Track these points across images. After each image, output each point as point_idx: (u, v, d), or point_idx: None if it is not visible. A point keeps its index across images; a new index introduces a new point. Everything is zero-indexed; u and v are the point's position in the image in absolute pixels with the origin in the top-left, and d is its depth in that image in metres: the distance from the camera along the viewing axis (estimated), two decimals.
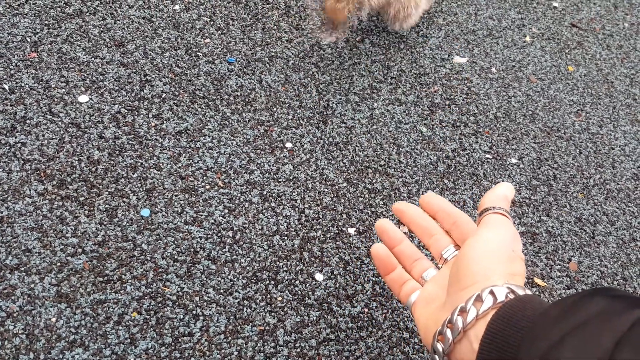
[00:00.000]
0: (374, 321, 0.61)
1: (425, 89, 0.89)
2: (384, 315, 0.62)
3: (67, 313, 0.55)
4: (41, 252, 0.59)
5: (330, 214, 0.70)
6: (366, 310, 0.62)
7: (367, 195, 0.73)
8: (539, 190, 0.80)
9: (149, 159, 0.69)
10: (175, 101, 0.76)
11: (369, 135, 0.80)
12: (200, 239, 0.64)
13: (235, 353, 0.56)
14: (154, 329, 0.56)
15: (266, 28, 0.88)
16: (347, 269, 0.65)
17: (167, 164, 0.70)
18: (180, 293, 0.59)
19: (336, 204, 0.72)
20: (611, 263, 0.74)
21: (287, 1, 0.93)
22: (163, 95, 0.75)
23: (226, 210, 0.68)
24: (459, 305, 0.30)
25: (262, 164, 0.73)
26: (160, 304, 0.58)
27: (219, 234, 0.65)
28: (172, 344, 0.55)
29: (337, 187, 0.74)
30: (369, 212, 0.72)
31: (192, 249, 0.63)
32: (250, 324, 0.58)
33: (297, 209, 0.70)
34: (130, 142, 0.70)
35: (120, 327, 0.55)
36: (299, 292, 0.62)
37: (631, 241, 0.77)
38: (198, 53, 0.82)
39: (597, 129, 0.91)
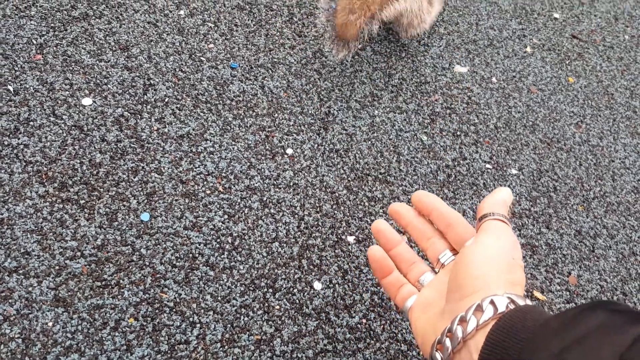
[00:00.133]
0: (372, 332, 0.60)
1: (426, 97, 0.87)
2: (382, 326, 0.60)
3: (64, 318, 0.53)
4: (40, 255, 0.57)
5: (329, 222, 0.69)
6: (364, 321, 0.60)
7: (366, 203, 0.71)
8: (539, 201, 0.78)
9: (150, 162, 0.68)
10: (178, 105, 0.74)
11: (369, 142, 0.79)
12: (199, 245, 0.63)
13: None
14: (151, 335, 0.54)
15: (269, 34, 0.87)
16: (346, 278, 0.64)
17: (168, 168, 0.68)
18: (178, 299, 0.57)
19: (336, 212, 0.70)
20: (611, 277, 0.72)
21: (291, 8, 0.92)
22: (166, 99, 0.74)
23: (226, 216, 0.66)
24: (458, 315, 0.29)
25: (262, 170, 0.72)
26: (157, 311, 0.56)
27: (218, 240, 0.64)
28: (169, 351, 0.54)
29: (337, 194, 0.72)
30: (369, 220, 0.70)
31: (190, 255, 0.62)
32: (247, 332, 0.57)
33: (296, 216, 0.68)
34: (132, 145, 0.68)
35: (116, 333, 0.53)
36: (297, 301, 0.60)
37: (631, 255, 0.75)
38: (202, 58, 0.80)
39: (598, 141, 0.89)
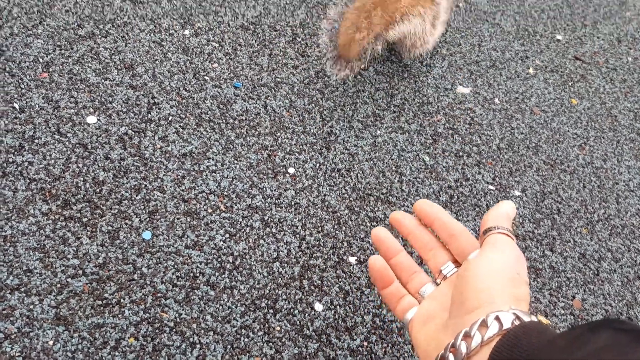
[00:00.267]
0: (373, 355, 0.61)
1: (428, 118, 0.91)
2: (383, 349, 0.62)
3: (65, 336, 0.55)
4: (42, 273, 0.60)
5: (331, 242, 0.71)
6: (365, 343, 0.62)
7: (368, 224, 0.74)
8: (542, 224, 0.80)
9: (153, 181, 0.71)
10: (182, 124, 0.78)
11: (371, 162, 0.82)
12: (200, 264, 0.65)
13: None
14: (151, 356, 0.56)
15: (273, 54, 0.91)
16: (347, 299, 0.66)
17: (171, 187, 0.71)
18: (178, 319, 0.60)
19: (337, 232, 0.73)
20: (616, 301, 0.74)
21: (294, 29, 0.97)
22: (170, 118, 0.78)
23: (227, 235, 0.69)
24: (463, 330, 0.29)
25: (264, 189, 0.75)
26: (157, 330, 0.58)
27: (219, 259, 0.66)
28: None
29: (338, 214, 0.75)
30: (371, 241, 0.73)
31: (191, 274, 0.64)
32: (247, 354, 0.59)
33: (297, 236, 0.71)
34: (135, 163, 0.72)
35: (116, 353, 0.55)
36: (298, 322, 0.62)
37: (636, 279, 0.78)
38: (205, 77, 0.84)
39: (601, 162, 0.92)
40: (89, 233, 0.64)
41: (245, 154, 0.77)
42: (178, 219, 0.68)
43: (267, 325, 0.61)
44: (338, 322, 0.64)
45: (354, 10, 0.82)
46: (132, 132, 0.74)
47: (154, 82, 0.81)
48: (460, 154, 0.87)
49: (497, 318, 0.28)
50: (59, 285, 0.59)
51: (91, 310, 0.58)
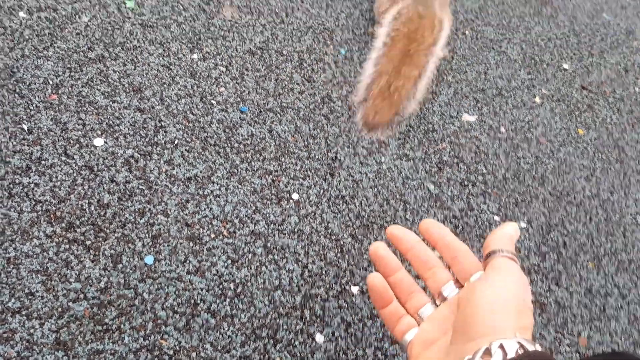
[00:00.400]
0: None
1: (434, 145, 0.94)
2: None
3: None
4: (44, 296, 0.62)
5: (333, 271, 0.73)
6: None
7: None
8: (548, 257, 0.82)
9: (157, 204, 0.74)
10: (187, 147, 0.81)
11: (375, 190, 0.85)
12: (202, 290, 0.67)
13: None
14: None
15: (279, 79, 0.95)
16: (349, 330, 0.67)
17: (175, 211, 0.74)
18: (178, 347, 0.61)
19: (340, 260, 0.75)
20: (622, 340, 0.75)
21: (301, 54, 1.01)
22: (176, 142, 0.81)
23: (229, 261, 0.71)
24: (465, 358, 0.30)
25: (267, 215, 0.77)
26: (156, 358, 0.60)
27: (221, 286, 0.68)
28: None
29: (341, 242, 0.77)
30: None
31: (192, 301, 0.66)
32: None
33: (300, 264, 0.73)
34: (140, 187, 0.75)
35: None
36: (298, 354, 0.64)
37: None
38: (212, 101, 0.88)
39: (608, 195, 0.95)
40: (91, 256, 0.66)
41: (250, 178, 0.80)
42: (181, 243, 0.71)
43: (267, 356, 0.63)
44: (339, 355, 0.65)
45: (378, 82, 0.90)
46: (138, 155, 0.78)
47: (162, 105, 0.84)
48: (466, 183, 0.89)
49: (501, 346, 0.29)
50: (60, 309, 0.61)
51: (91, 335, 0.60)
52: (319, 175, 0.84)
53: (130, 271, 0.66)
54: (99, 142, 0.77)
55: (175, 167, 0.78)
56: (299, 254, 0.74)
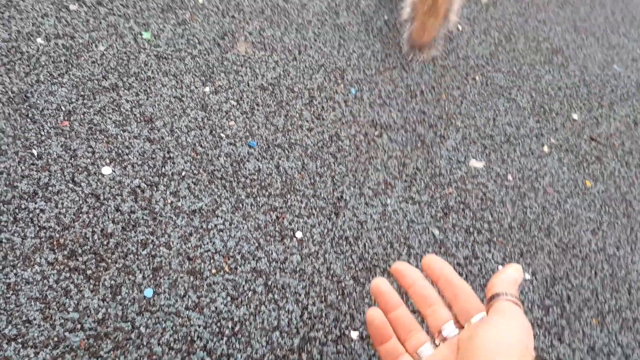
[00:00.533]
0: None
1: (440, 190, 0.98)
2: None
3: None
4: (41, 325, 0.64)
5: (333, 314, 0.76)
6: None
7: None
8: (551, 311, 0.85)
9: (161, 236, 0.77)
10: (194, 180, 0.85)
11: (380, 232, 0.89)
12: (199, 327, 0.70)
13: None
14: None
15: (289, 115, 1.01)
16: None
17: (177, 243, 0.77)
18: None
19: (341, 303, 0.78)
20: None
21: (312, 92, 1.07)
22: (183, 173, 0.85)
23: (229, 298, 0.74)
24: None
25: (270, 252, 0.81)
26: None
27: (219, 324, 0.71)
28: None
29: (343, 284, 0.80)
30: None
31: (189, 337, 0.69)
32: None
33: (300, 304, 0.76)
34: (144, 217, 0.78)
35: None
36: None
37: None
38: (221, 134, 0.93)
39: (614, 250, 0.98)
40: (91, 286, 0.70)
41: (254, 214, 0.84)
42: (181, 277, 0.74)
43: None
44: None
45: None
46: (145, 185, 0.82)
47: (171, 136, 0.89)
48: (471, 230, 0.93)
49: None
50: (56, 339, 0.64)
51: None
52: (323, 214, 0.88)
53: (129, 303, 0.69)
54: (107, 170, 0.82)
55: (181, 199, 0.82)
56: (300, 295, 0.77)
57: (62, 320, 0.66)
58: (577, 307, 0.87)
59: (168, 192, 0.82)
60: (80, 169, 0.81)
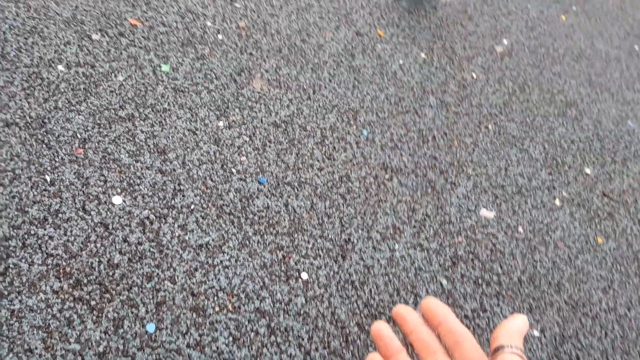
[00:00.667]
0: None
1: (449, 238, 1.02)
2: None
3: None
4: (42, 354, 0.67)
5: None
6: None
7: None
8: None
9: (166, 269, 0.81)
10: (202, 214, 0.90)
11: (386, 278, 0.92)
12: None
13: None
14: None
15: (300, 154, 1.06)
16: None
17: (182, 278, 0.81)
18: None
19: (344, 351, 0.80)
20: None
21: (324, 131, 1.13)
22: (192, 207, 0.90)
23: (231, 338, 0.77)
24: None
25: (274, 292, 0.84)
26: None
27: None
28: None
29: (347, 330, 0.83)
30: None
31: None
32: None
33: (302, 349, 0.78)
34: (151, 249, 0.82)
35: None
36: None
37: None
38: (232, 169, 0.98)
39: (625, 310, 1.01)
40: (94, 318, 0.72)
41: (261, 252, 0.88)
42: (184, 313, 0.77)
43: None
44: None
45: None
46: (154, 217, 0.86)
47: (183, 169, 0.94)
48: (480, 281, 0.96)
49: None
50: None
51: None
52: (330, 256, 0.92)
53: (131, 337, 0.72)
54: (117, 200, 0.86)
55: (189, 233, 0.86)
56: (303, 339, 0.80)
57: (63, 352, 0.68)
58: None
59: (176, 225, 0.87)
60: (91, 198, 0.85)
